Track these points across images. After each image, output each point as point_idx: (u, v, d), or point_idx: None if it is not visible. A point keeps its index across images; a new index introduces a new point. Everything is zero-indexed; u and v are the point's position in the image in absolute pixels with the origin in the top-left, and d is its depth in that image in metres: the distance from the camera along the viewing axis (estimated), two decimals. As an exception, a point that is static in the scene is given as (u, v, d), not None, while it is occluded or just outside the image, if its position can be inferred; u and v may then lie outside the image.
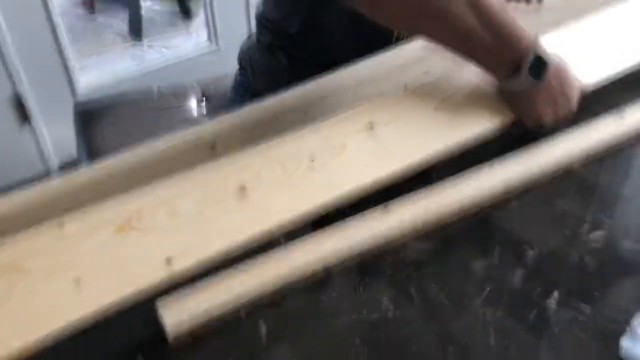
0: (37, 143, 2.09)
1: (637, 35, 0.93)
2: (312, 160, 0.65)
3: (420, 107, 0.73)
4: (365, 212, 0.66)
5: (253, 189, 0.61)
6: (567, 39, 0.91)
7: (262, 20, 1.06)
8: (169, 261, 0.53)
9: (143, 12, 2.92)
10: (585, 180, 0.74)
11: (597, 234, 0.64)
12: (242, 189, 0.60)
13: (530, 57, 0.71)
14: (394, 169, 0.65)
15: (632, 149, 0.79)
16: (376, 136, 0.68)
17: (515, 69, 0.72)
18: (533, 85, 0.73)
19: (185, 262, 0.54)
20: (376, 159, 0.66)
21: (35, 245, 0.52)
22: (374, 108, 0.71)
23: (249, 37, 1.18)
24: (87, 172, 0.63)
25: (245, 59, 1.13)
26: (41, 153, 2.11)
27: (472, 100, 0.77)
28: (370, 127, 0.69)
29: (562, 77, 0.76)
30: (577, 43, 0.91)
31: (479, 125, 0.74)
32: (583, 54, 0.88)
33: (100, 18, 2.98)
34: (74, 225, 0.54)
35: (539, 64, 0.72)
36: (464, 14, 0.68)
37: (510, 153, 0.76)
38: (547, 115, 0.76)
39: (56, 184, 0.61)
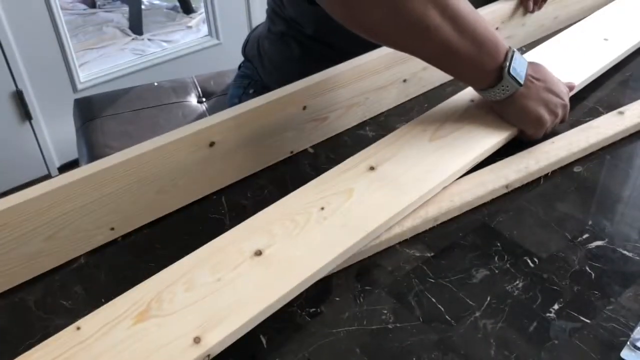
0: (38, 138, 2.09)
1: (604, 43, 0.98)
2: (322, 209, 0.64)
3: (415, 140, 0.75)
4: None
5: (268, 250, 0.60)
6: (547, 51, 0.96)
7: (276, 10, 1.04)
8: (197, 340, 0.50)
9: (143, 7, 2.91)
10: (585, 180, 0.74)
11: (598, 242, 0.64)
12: (257, 252, 0.59)
13: (508, 61, 0.72)
14: (403, 203, 0.66)
15: (632, 148, 0.79)
16: (379, 177, 0.69)
17: (497, 76, 0.73)
18: (516, 88, 0.74)
19: (214, 337, 0.51)
20: (384, 199, 0.66)
21: (52, 354, 0.50)
22: (372, 152, 0.73)
23: (256, 28, 1.16)
24: (86, 170, 0.63)
25: (253, 50, 1.12)
26: (42, 148, 2.11)
27: (466, 123, 0.78)
28: (372, 168, 0.70)
29: (542, 75, 0.78)
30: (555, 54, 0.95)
31: (478, 146, 0.75)
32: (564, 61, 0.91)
33: (101, 13, 2.98)
34: (90, 325, 0.52)
35: (518, 66, 0.73)
36: (440, 26, 0.68)
37: (510, 153, 0.76)
38: (545, 117, 0.76)
39: (56, 182, 0.61)
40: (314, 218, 0.63)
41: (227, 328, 0.52)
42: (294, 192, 0.67)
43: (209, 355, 0.50)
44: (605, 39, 0.99)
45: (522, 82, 0.74)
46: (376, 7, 0.66)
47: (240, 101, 1.11)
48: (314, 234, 0.61)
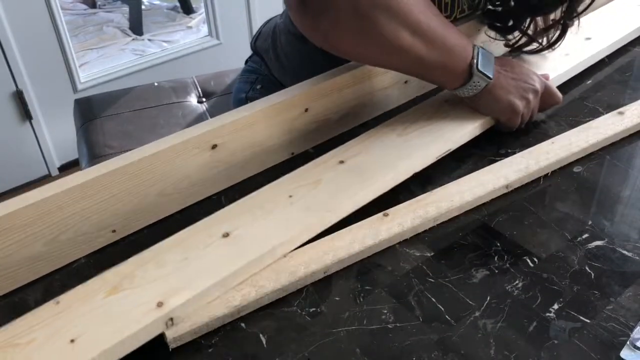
0: (38, 138, 2.10)
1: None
2: (290, 197, 0.68)
3: (384, 137, 0.78)
4: (365, 219, 0.67)
5: (236, 232, 0.63)
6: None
7: None
8: (160, 304, 0.55)
9: (143, 7, 2.91)
10: (585, 180, 0.74)
11: (598, 242, 0.64)
12: (225, 235, 0.63)
13: (477, 58, 0.75)
14: (367, 189, 0.69)
15: (632, 148, 0.79)
16: (348, 168, 0.72)
17: (467, 74, 0.76)
18: (487, 80, 0.76)
19: (175, 301, 0.55)
20: (350, 184, 0.70)
21: (31, 323, 0.54)
22: (342, 150, 0.76)
23: (268, 21, 1.14)
24: (87, 174, 0.63)
25: (266, 44, 1.10)
26: (42, 148, 2.11)
27: (435, 120, 0.81)
28: (342, 163, 0.73)
29: (510, 66, 0.81)
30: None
31: (448, 136, 0.78)
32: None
33: (101, 13, 2.98)
34: (68, 299, 0.57)
35: (486, 61, 0.76)
36: (412, 45, 0.70)
37: (510, 153, 0.77)
38: (516, 103, 0.78)
39: (57, 186, 0.61)
40: (282, 204, 0.67)
41: (188, 293, 0.56)
42: (264, 187, 0.70)
43: (171, 319, 0.55)
44: (588, 38, 1.02)
45: (491, 75, 0.76)
46: (348, 34, 0.70)
47: (247, 96, 1.10)
48: (280, 216, 0.65)
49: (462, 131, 0.78)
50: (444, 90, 0.87)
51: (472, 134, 0.79)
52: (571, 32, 0.98)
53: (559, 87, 0.88)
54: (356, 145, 0.76)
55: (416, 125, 0.80)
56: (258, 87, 1.11)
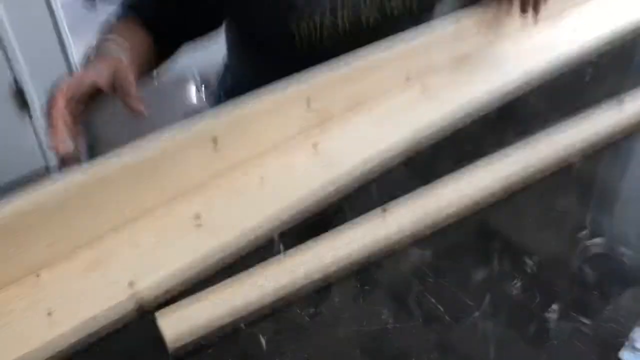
0: (37, 134, 2.09)
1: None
2: (262, 178, 0.71)
3: (360, 123, 0.82)
4: (364, 215, 0.66)
5: (207, 214, 0.67)
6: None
7: None
8: (131, 284, 0.59)
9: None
10: (584, 176, 0.74)
11: (597, 241, 0.64)
12: (197, 216, 0.66)
13: None
14: (338, 173, 0.72)
15: (631, 142, 0.79)
16: (320, 153, 0.76)
17: None
18: None
19: (145, 282, 0.59)
20: (321, 169, 0.73)
21: (12, 294, 0.59)
22: (318, 132, 0.79)
23: None
24: (88, 170, 0.63)
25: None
26: (41, 144, 2.11)
27: (407, 108, 0.84)
28: (315, 147, 0.76)
29: None
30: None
31: (416, 126, 0.80)
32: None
33: (102, 11, 2.97)
34: (49, 273, 0.61)
35: None
36: None
37: (510, 153, 0.76)
38: None
39: (57, 183, 0.61)
40: (254, 187, 0.70)
41: (156, 275, 0.60)
42: (240, 165, 0.73)
43: (142, 298, 0.58)
44: (574, 30, 1.03)
45: None
46: None
47: (219, 101, 1.11)
48: (249, 202, 0.69)
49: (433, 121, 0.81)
50: None
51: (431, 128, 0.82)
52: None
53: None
54: (332, 129, 0.79)
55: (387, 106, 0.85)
56: (222, 93, 1.12)
